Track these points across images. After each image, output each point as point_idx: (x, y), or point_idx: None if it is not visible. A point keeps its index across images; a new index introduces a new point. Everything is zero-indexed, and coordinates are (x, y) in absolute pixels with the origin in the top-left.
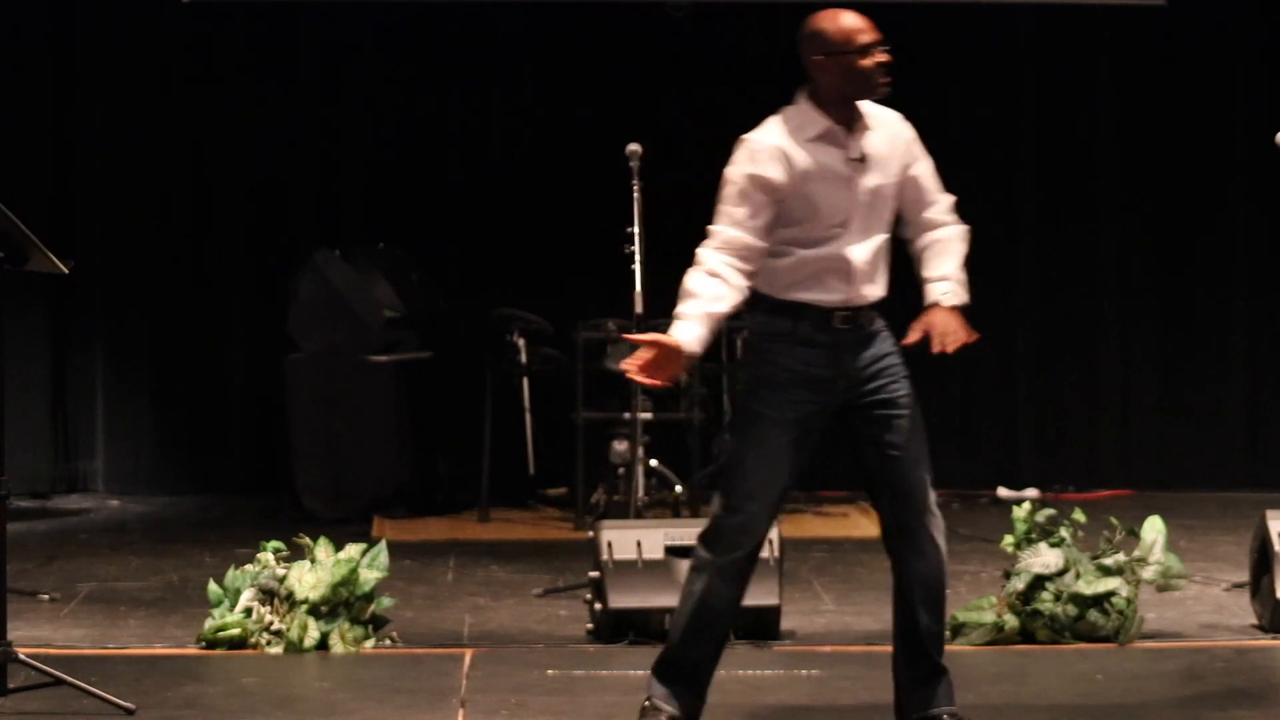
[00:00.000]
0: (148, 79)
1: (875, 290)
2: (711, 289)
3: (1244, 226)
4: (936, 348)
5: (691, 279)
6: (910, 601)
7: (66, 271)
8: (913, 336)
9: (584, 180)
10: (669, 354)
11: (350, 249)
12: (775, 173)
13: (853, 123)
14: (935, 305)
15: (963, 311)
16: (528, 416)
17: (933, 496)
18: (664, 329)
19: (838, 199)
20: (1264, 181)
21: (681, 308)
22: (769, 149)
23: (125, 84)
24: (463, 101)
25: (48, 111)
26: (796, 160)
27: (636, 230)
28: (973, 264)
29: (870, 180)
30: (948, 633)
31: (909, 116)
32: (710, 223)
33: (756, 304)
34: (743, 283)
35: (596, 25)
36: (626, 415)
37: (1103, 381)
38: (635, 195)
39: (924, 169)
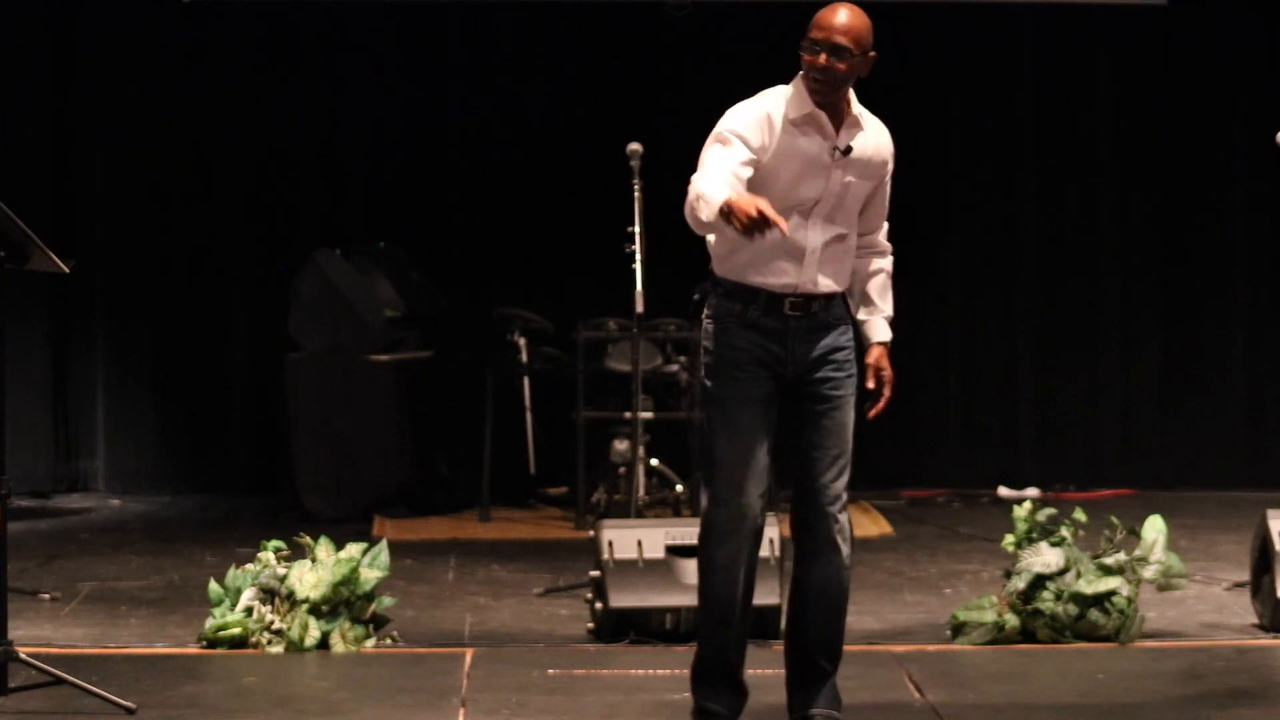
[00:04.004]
0: (148, 79)
1: (830, 281)
2: (729, 178)
3: (1244, 226)
4: (881, 401)
5: (704, 182)
6: (804, 604)
7: (67, 271)
8: (871, 383)
9: (584, 180)
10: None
11: (351, 248)
12: (759, 139)
13: (841, 115)
14: (883, 345)
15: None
16: (528, 416)
17: (842, 501)
18: (664, 329)
19: (811, 183)
20: (1264, 181)
21: (709, 190)
22: (757, 116)
23: (125, 84)
24: (463, 101)
25: (48, 111)
26: (780, 131)
27: (637, 230)
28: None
29: (847, 175)
30: (948, 632)
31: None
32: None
33: (713, 287)
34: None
35: (596, 25)
36: (627, 415)
37: (1103, 381)
38: (635, 195)
39: (886, 189)
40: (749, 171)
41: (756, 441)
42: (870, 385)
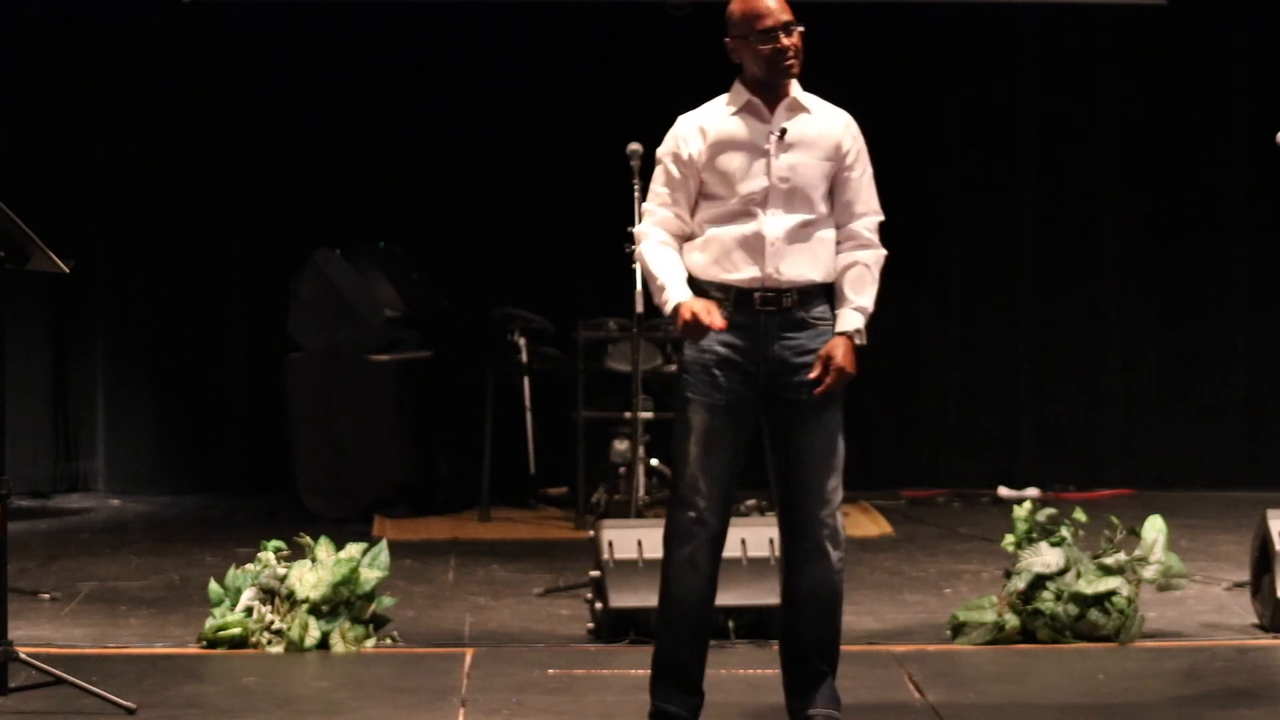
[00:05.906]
0: (148, 79)
1: (799, 271)
2: (672, 255)
3: (1244, 226)
4: (820, 387)
5: (650, 250)
6: (796, 608)
7: (67, 271)
8: (816, 371)
9: (584, 180)
10: (704, 311)
11: (351, 248)
12: (691, 148)
13: (780, 102)
14: (844, 337)
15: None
16: (528, 416)
17: (831, 505)
18: (664, 329)
19: (753, 171)
20: (1264, 181)
21: (662, 277)
22: (688, 126)
23: (125, 84)
24: (463, 101)
25: (48, 111)
26: (713, 131)
27: (636, 230)
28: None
29: (790, 158)
30: (948, 632)
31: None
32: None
33: (690, 287)
34: (680, 254)
35: (596, 25)
36: (627, 415)
37: (1103, 381)
38: (635, 195)
39: (859, 175)
40: (684, 199)
41: (720, 445)
42: (813, 374)
